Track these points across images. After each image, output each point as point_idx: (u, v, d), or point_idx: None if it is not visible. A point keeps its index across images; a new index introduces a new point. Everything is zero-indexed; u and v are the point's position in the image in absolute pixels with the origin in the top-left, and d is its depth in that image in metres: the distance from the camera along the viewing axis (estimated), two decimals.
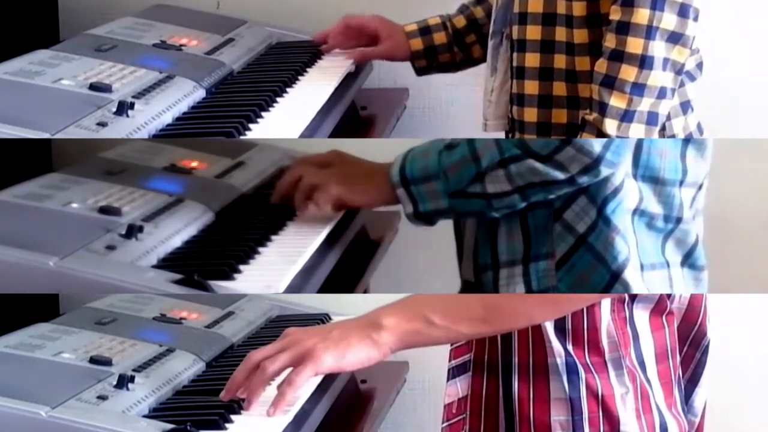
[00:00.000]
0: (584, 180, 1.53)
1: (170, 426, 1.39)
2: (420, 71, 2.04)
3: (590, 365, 1.50)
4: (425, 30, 2.01)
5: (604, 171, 1.53)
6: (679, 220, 1.61)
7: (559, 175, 1.53)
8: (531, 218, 1.59)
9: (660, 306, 1.56)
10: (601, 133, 1.59)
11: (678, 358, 1.59)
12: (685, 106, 1.71)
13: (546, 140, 1.53)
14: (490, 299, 1.46)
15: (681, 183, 1.60)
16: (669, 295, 1.57)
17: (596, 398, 1.49)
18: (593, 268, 1.57)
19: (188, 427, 1.38)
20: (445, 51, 2.00)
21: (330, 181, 1.65)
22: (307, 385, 1.50)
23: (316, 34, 2.11)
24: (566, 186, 1.54)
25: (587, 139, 1.52)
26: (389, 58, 2.06)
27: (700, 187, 1.64)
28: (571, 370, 1.50)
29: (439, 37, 2.00)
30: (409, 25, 2.02)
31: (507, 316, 1.46)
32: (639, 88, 1.60)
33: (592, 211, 1.57)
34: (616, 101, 1.60)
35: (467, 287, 1.70)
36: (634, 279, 1.56)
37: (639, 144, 1.58)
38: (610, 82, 1.61)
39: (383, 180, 1.62)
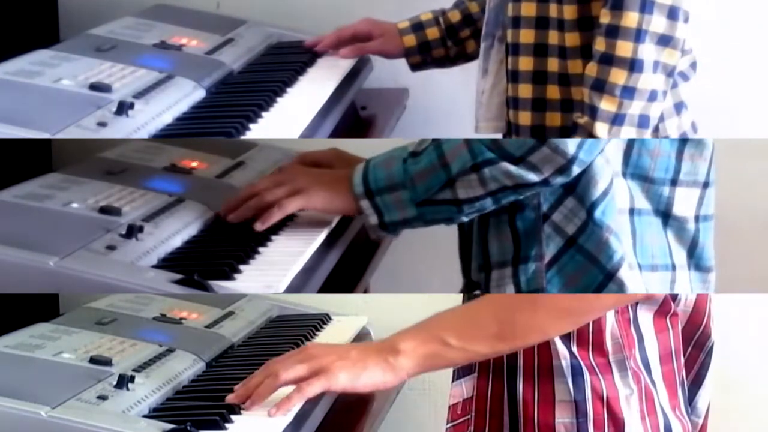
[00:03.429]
0: (557, 180, 1.52)
1: (170, 426, 1.39)
2: (415, 67, 2.04)
3: (595, 366, 1.50)
4: (418, 26, 2.01)
5: (576, 170, 1.52)
6: (666, 215, 1.60)
7: (533, 177, 1.52)
8: (520, 220, 1.58)
9: (664, 308, 1.56)
10: (592, 137, 1.59)
11: (682, 360, 1.59)
12: (679, 107, 1.70)
13: (520, 141, 1.52)
14: (503, 316, 1.46)
15: (674, 182, 1.60)
16: (674, 298, 1.57)
17: (601, 400, 1.49)
18: (584, 269, 1.56)
19: (188, 427, 1.38)
20: (439, 46, 2.00)
21: (293, 194, 1.63)
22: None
23: (308, 40, 2.11)
24: (539, 187, 1.54)
25: (563, 139, 1.51)
26: (383, 54, 2.06)
27: (705, 185, 1.63)
28: (576, 372, 1.50)
29: (432, 33, 2.00)
30: (402, 23, 2.02)
31: (521, 333, 1.46)
32: (629, 92, 1.60)
33: (581, 213, 1.56)
34: (606, 104, 1.60)
35: (471, 287, 1.70)
36: (629, 278, 1.56)
37: (630, 144, 1.58)
38: (600, 86, 1.60)
39: (346, 190, 1.60)
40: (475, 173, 1.53)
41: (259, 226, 1.63)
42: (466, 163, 1.53)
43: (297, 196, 1.63)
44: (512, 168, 1.52)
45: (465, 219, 1.58)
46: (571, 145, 1.50)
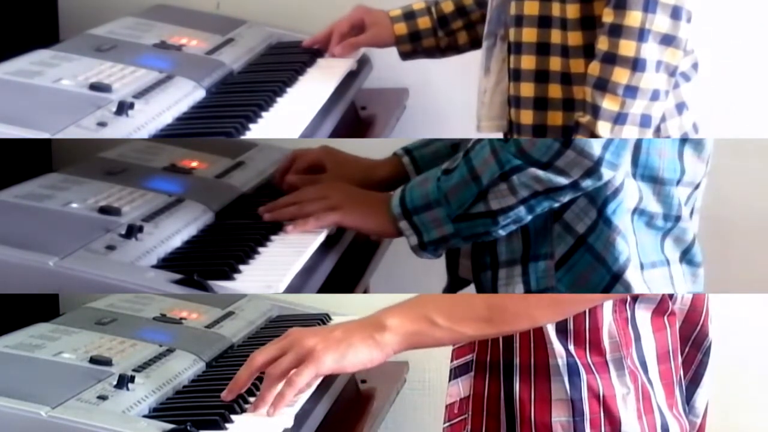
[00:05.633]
0: (587, 183, 1.53)
1: (170, 426, 1.39)
2: (405, 56, 2.04)
3: (591, 365, 1.50)
4: (409, 15, 2.01)
5: (606, 174, 1.53)
6: (678, 219, 1.62)
7: (562, 181, 1.53)
8: (531, 219, 1.59)
9: (662, 306, 1.56)
10: (594, 136, 1.59)
11: (679, 359, 1.59)
12: (681, 107, 1.71)
13: (545, 144, 1.53)
14: (493, 300, 1.46)
15: (678, 182, 1.61)
16: (671, 296, 1.57)
17: (597, 399, 1.49)
18: (593, 268, 1.57)
19: (188, 427, 1.38)
20: (430, 35, 2.00)
21: (331, 209, 1.65)
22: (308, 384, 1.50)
23: (306, 41, 2.11)
24: (570, 191, 1.54)
25: (587, 140, 1.52)
26: (375, 44, 2.06)
27: (697, 186, 1.64)
28: (573, 371, 1.50)
29: (423, 22, 2.00)
30: (394, 11, 2.02)
31: (510, 318, 1.46)
32: (632, 91, 1.60)
33: (591, 212, 1.57)
34: (608, 104, 1.60)
35: (460, 284, 1.70)
36: (635, 279, 1.56)
37: (638, 144, 1.58)
38: (603, 85, 1.61)
39: (384, 213, 1.62)
40: (505, 182, 1.54)
41: (290, 230, 1.65)
42: (494, 173, 1.54)
43: (335, 212, 1.65)
44: (541, 173, 1.52)
45: (502, 233, 1.58)
46: (596, 146, 1.51)
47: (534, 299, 1.46)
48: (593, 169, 1.52)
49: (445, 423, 1.60)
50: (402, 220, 1.60)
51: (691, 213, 1.65)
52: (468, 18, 1.97)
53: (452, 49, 2.01)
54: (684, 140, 1.62)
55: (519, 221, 1.57)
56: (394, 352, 1.47)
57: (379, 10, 2.04)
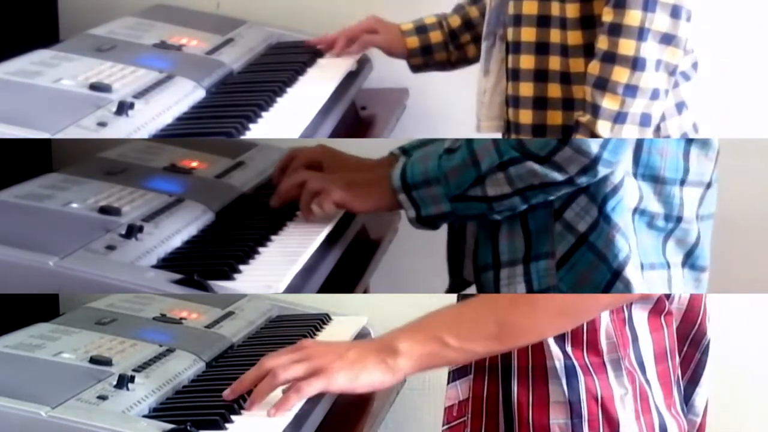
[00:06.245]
0: (583, 180, 1.54)
1: (170, 426, 1.39)
2: (415, 69, 2.05)
3: (589, 366, 1.50)
4: (421, 29, 2.02)
5: (602, 171, 1.53)
6: (679, 220, 1.61)
7: (558, 176, 1.53)
8: (531, 218, 1.60)
9: (659, 306, 1.56)
10: (594, 135, 1.60)
11: (677, 359, 1.59)
12: (680, 107, 1.71)
13: (544, 141, 1.54)
14: (502, 315, 1.46)
15: (683, 182, 1.61)
16: (668, 296, 1.57)
17: (596, 400, 1.49)
18: (594, 266, 1.57)
19: (188, 427, 1.38)
20: (441, 50, 2.01)
21: (333, 188, 1.65)
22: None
23: (313, 39, 2.11)
24: (565, 187, 1.55)
25: (585, 139, 1.52)
26: (387, 51, 2.07)
27: (708, 185, 1.64)
28: (570, 373, 1.50)
29: (435, 36, 2.01)
30: (405, 24, 2.03)
31: (519, 333, 1.46)
32: (631, 90, 1.60)
33: (592, 210, 1.57)
34: (608, 103, 1.61)
35: (462, 286, 1.70)
36: (635, 277, 1.57)
37: (639, 143, 1.58)
38: (603, 84, 1.61)
39: (385, 185, 1.63)
40: (502, 172, 1.55)
41: (306, 211, 1.67)
42: (494, 161, 1.55)
43: (338, 190, 1.66)
44: (537, 167, 1.53)
45: (498, 217, 1.60)
46: (594, 145, 1.51)
47: (541, 313, 1.45)
48: (590, 167, 1.53)
49: (443, 425, 1.60)
50: (401, 193, 1.61)
51: (704, 216, 1.64)
52: (475, 31, 1.98)
53: (462, 62, 2.03)
54: (689, 140, 1.62)
55: (514, 209, 1.58)
56: (407, 375, 1.47)
57: (391, 23, 2.05)
